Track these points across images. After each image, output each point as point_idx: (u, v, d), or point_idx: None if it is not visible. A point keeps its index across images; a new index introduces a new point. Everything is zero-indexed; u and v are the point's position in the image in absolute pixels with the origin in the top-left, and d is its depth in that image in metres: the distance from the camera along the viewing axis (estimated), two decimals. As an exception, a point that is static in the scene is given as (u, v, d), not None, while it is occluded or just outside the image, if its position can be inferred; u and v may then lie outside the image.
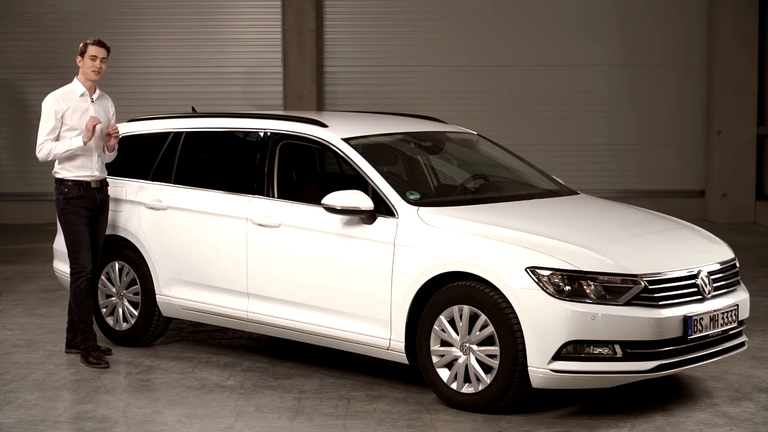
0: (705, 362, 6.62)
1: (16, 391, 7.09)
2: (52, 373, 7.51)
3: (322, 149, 7.77)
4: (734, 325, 6.75)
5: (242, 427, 6.33)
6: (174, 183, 8.05)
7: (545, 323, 6.22)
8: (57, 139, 7.63)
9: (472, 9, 15.44)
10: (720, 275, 6.76)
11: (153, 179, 8.15)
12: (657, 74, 15.46)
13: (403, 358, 6.83)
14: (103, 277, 8.22)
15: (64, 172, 7.67)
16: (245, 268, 7.48)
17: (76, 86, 7.74)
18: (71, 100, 7.67)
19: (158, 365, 7.70)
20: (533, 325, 6.25)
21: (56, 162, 7.70)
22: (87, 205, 7.69)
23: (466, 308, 6.49)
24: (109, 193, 7.93)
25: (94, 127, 7.56)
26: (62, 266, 8.30)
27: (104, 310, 8.23)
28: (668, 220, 7.49)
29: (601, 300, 6.26)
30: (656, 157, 15.56)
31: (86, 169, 7.67)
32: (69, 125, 7.63)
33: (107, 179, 7.88)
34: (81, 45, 7.75)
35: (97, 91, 7.80)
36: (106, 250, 8.09)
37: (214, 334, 8.60)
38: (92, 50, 7.69)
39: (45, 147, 7.60)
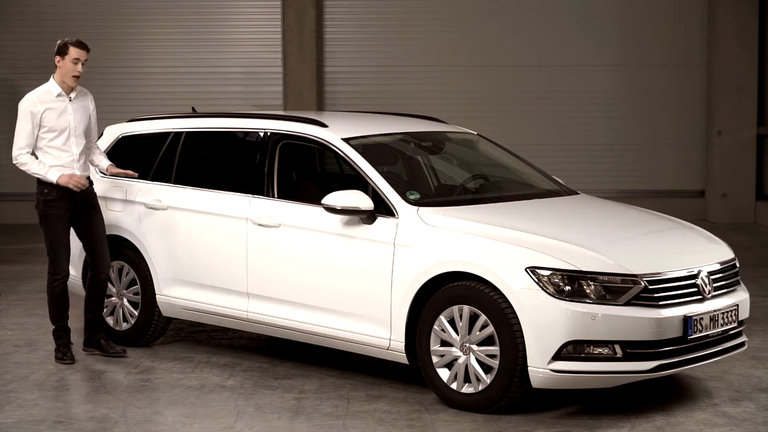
0: (705, 362, 6.62)
1: (16, 391, 7.08)
2: (52, 373, 7.51)
3: (322, 149, 7.77)
4: (734, 325, 6.75)
5: (242, 427, 6.32)
6: (174, 183, 8.04)
7: (545, 323, 6.22)
8: (36, 141, 7.50)
9: (472, 9, 15.43)
10: (720, 275, 6.76)
11: (153, 179, 8.15)
12: (657, 74, 15.45)
13: (403, 358, 6.83)
14: (103, 277, 8.22)
15: None
16: (245, 268, 7.47)
17: (52, 86, 7.54)
18: (48, 101, 7.51)
19: (158, 365, 7.70)
20: (533, 325, 6.24)
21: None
22: (67, 207, 7.56)
23: (466, 308, 6.49)
24: (109, 193, 7.91)
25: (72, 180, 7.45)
26: (62, 266, 8.30)
27: (104, 310, 8.23)
28: (668, 220, 7.49)
29: (601, 300, 6.25)
30: (656, 157, 15.55)
31: (67, 169, 7.55)
32: (47, 127, 7.50)
33: (91, 178, 7.75)
34: (60, 43, 7.50)
35: (75, 90, 7.59)
36: (105, 250, 8.10)
37: (214, 334, 8.60)
38: (74, 52, 7.46)
39: (22, 159, 7.49)
